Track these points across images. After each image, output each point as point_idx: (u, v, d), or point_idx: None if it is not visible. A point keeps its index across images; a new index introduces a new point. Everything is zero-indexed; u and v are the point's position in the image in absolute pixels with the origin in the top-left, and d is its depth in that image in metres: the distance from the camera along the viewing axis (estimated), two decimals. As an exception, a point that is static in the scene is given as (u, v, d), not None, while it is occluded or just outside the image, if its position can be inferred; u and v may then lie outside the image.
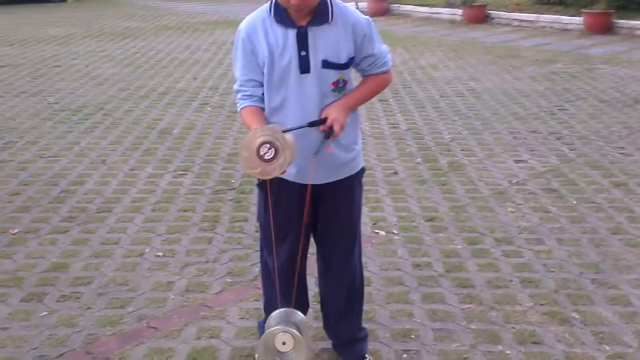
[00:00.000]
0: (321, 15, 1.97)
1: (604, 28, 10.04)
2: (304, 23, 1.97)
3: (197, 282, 3.00)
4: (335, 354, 2.43)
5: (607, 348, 2.49)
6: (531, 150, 4.80)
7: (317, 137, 2.04)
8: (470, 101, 6.24)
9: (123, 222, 3.65)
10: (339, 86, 2.04)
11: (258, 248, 3.26)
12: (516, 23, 11.29)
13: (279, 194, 2.14)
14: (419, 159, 4.63)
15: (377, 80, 2.14)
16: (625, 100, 6.18)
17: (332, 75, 2.01)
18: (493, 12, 11.71)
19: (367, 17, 2.08)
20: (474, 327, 2.64)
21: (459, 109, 5.98)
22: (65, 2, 16.17)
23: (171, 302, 2.84)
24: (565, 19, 10.74)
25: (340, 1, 2.06)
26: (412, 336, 2.58)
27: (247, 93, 2.07)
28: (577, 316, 2.70)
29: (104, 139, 5.17)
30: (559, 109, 5.90)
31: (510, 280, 2.99)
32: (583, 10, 10.29)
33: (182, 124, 5.58)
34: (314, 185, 2.09)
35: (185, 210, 3.79)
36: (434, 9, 12.46)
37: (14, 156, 4.74)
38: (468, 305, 2.79)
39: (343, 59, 2.01)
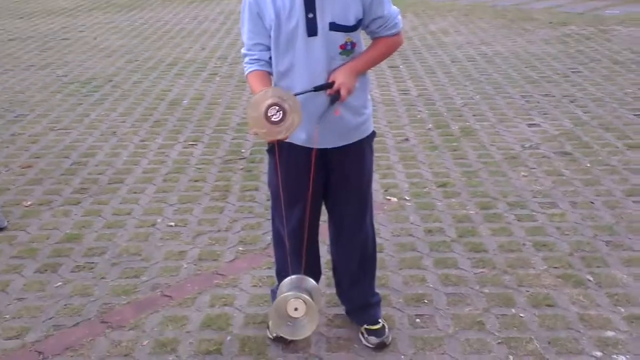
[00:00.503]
0: None
1: (619, -12, 9.81)
2: None
3: (209, 250, 3.01)
4: (349, 319, 2.43)
5: (622, 310, 2.48)
6: (544, 114, 4.74)
7: (325, 101, 2.01)
8: (482, 66, 6.15)
9: (135, 193, 3.65)
10: (347, 49, 2.01)
11: (269, 216, 3.28)
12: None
13: (288, 159, 2.12)
14: (430, 125, 4.59)
15: (387, 43, 2.10)
16: (639, 60, 6.07)
17: (340, 37, 1.98)
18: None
19: None
20: (487, 291, 2.63)
21: (471, 73, 5.90)
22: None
23: (184, 271, 2.85)
24: (578, -21, 10.50)
25: None
26: (425, 301, 2.57)
27: (255, 57, 2.05)
28: (591, 278, 2.69)
29: (113, 110, 5.16)
30: (572, 72, 5.81)
31: (524, 244, 2.97)
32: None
33: (191, 94, 5.55)
34: (323, 150, 2.07)
35: (196, 180, 3.79)
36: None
37: (25, 129, 4.74)
38: (481, 270, 2.78)
39: (351, 21, 1.97)
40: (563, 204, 3.35)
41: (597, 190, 3.50)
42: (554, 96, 5.14)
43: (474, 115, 4.77)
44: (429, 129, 4.52)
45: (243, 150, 4.23)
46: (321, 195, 2.23)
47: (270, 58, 2.04)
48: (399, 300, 2.58)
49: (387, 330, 2.33)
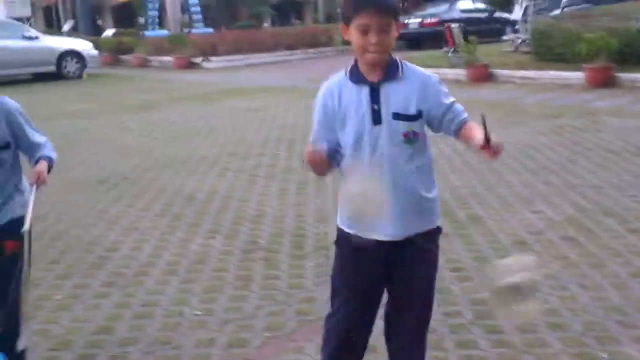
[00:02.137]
0: (392, 72, 2.18)
1: (606, 82, 10.34)
2: (376, 80, 2.18)
3: (237, 337, 3.14)
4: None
5: (639, 385, 2.60)
6: (547, 201, 4.97)
7: (407, 178, 2.20)
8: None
9: (160, 284, 3.80)
10: (409, 137, 2.19)
11: (291, 304, 3.42)
12: (519, 80, 11.64)
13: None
14: (438, 214, 4.79)
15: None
16: (632, 149, 6.37)
17: (402, 126, 2.18)
18: (496, 71, 12.09)
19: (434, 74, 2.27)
20: (508, 370, 2.75)
21: (473, 164, 6.18)
22: (81, 79, 16.73)
23: (215, 358, 2.97)
24: (566, 74, 11.07)
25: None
26: (450, 381, 2.69)
27: (322, 142, 2.20)
28: (605, 356, 2.81)
29: (132, 207, 5.38)
30: (569, 161, 6.10)
31: (539, 325, 3.11)
32: (584, 65, 10.62)
33: (206, 189, 5.79)
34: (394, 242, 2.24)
35: (218, 271, 3.95)
36: (440, 70, 12.80)
37: (47, 228, 4.92)
38: (500, 349, 2.90)
39: (412, 111, 2.18)
40: (572, 286, 3.50)
41: (603, 272, 3.66)
42: (554, 184, 5.39)
43: (478, 203, 4.99)
44: (438, 217, 4.72)
45: (261, 241, 4.42)
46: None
47: (336, 150, 2.21)
48: (425, 381, 2.68)
49: None
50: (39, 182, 2.63)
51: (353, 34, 2.14)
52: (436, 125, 2.26)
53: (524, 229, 4.42)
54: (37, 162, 2.69)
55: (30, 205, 2.58)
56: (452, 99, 2.24)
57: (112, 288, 3.77)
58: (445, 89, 2.25)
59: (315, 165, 2.17)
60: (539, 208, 4.82)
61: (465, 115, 2.25)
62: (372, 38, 2.09)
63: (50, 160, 2.71)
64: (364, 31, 2.09)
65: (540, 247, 4.07)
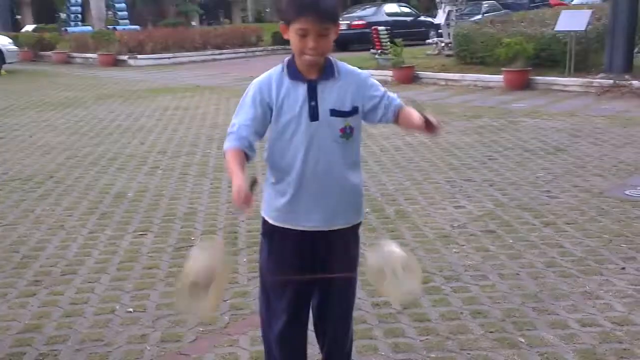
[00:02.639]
0: (328, 71, 2.25)
1: (523, 84, 10.87)
2: (313, 77, 2.23)
3: (170, 333, 3.15)
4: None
5: (552, 365, 2.80)
6: (468, 197, 5.20)
7: (341, 171, 2.28)
8: (409, 155, 6.67)
9: (89, 282, 3.76)
10: (346, 132, 2.26)
11: (225, 298, 3.45)
12: (443, 82, 12.05)
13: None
14: (367, 209, 4.94)
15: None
16: (547, 148, 6.75)
17: (340, 122, 2.25)
18: (421, 73, 12.45)
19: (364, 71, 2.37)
20: (433, 355, 2.90)
21: (399, 162, 6.39)
22: (-2, 75, 16.07)
23: (148, 353, 2.97)
24: (486, 77, 11.56)
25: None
26: (379, 367, 2.81)
27: (242, 134, 2.19)
28: (523, 340, 3.01)
29: (58, 205, 5.26)
30: (488, 159, 6.39)
31: (461, 313, 3.28)
32: (502, 68, 11.11)
33: (135, 187, 5.73)
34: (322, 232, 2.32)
35: (149, 268, 3.94)
36: (368, 71, 13.07)
37: (-31, 226, 4.76)
38: (426, 337, 3.05)
39: (347, 107, 2.25)
40: (492, 276, 3.71)
41: (520, 263, 3.89)
42: (475, 181, 5.65)
43: (405, 199, 5.17)
44: (367, 212, 4.87)
45: (192, 238, 4.42)
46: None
47: (252, 143, 2.20)
48: (355, 367, 2.80)
49: None
50: None
51: (292, 36, 2.18)
52: (374, 117, 2.33)
53: (447, 223, 4.62)
54: None
55: None
56: (383, 89, 2.35)
57: (39, 287, 3.70)
58: (376, 82, 2.36)
59: (245, 205, 2.05)
60: (462, 203, 5.05)
61: (399, 101, 2.36)
62: (311, 43, 2.14)
63: None
64: (303, 35, 2.14)
65: (462, 240, 4.27)
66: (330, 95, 2.25)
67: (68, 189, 5.74)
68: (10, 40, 17.08)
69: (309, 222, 2.29)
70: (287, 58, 2.28)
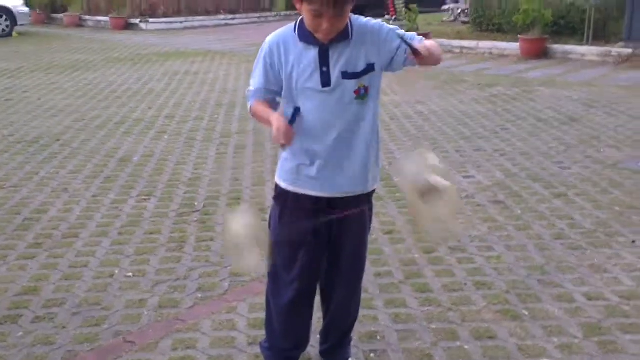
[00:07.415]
0: (342, 34, 2.10)
1: (539, 53, 10.62)
2: (325, 41, 2.09)
3: (169, 298, 3.12)
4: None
5: (555, 340, 2.73)
6: (477, 167, 5.10)
7: (357, 136, 2.19)
8: (419, 123, 6.55)
9: (90, 246, 3.73)
10: (360, 94, 2.15)
11: (226, 265, 3.42)
12: (457, 50, 11.81)
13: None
14: (373, 178, 4.86)
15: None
16: (561, 119, 6.59)
17: (353, 84, 2.13)
18: (436, 40, 12.20)
19: (379, 21, 2.22)
20: (434, 326, 2.84)
21: (409, 130, 6.27)
22: (10, 37, 15.97)
23: (145, 318, 2.94)
24: (503, 44, 11.31)
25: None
26: (378, 337, 2.76)
27: (259, 94, 2.18)
28: (526, 313, 2.94)
29: (63, 168, 5.22)
30: (501, 129, 6.26)
31: (465, 284, 3.21)
32: (519, 36, 10.85)
33: (141, 151, 5.67)
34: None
35: (151, 233, 3.90)
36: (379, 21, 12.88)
37: (-27, 187, 4.74)
38: (427, 308, 2.99)
39: (361, 67, 2.12)
40: (498, 247, 3.63)
41: (528, 234, 3.81)
42: (486, 150, 5.53)
43: (413, 169, 5.07)
44: (373, 181, 4.79)
45: (196, 204, 4.37)
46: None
47: (274, 100, 2.19)
48: (354, 337, 2.74)
49: None
50: None
51: (305, 13, 2.05)
52: (395, 68, 2.18)
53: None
54: None
55: None
56: (399, 39, 2.12)
57: (39, 250, 3.67)
58: (391, 31, 2.15)
59: (287, 139, 2.06)
60: (471, 173, 4.95)
61: (413, 41, 2.12)
62: (325, 24, 2.02)
63: None
64: (317, 16, 2.01)
65: (470, 210, 4.18)
66: (342, 58, 2.12)
67: (74, 152, 5.70)
68: (22, 2, 16.93)
69: (324, 188, 2.22)
70: (300, 18, 2.14)
